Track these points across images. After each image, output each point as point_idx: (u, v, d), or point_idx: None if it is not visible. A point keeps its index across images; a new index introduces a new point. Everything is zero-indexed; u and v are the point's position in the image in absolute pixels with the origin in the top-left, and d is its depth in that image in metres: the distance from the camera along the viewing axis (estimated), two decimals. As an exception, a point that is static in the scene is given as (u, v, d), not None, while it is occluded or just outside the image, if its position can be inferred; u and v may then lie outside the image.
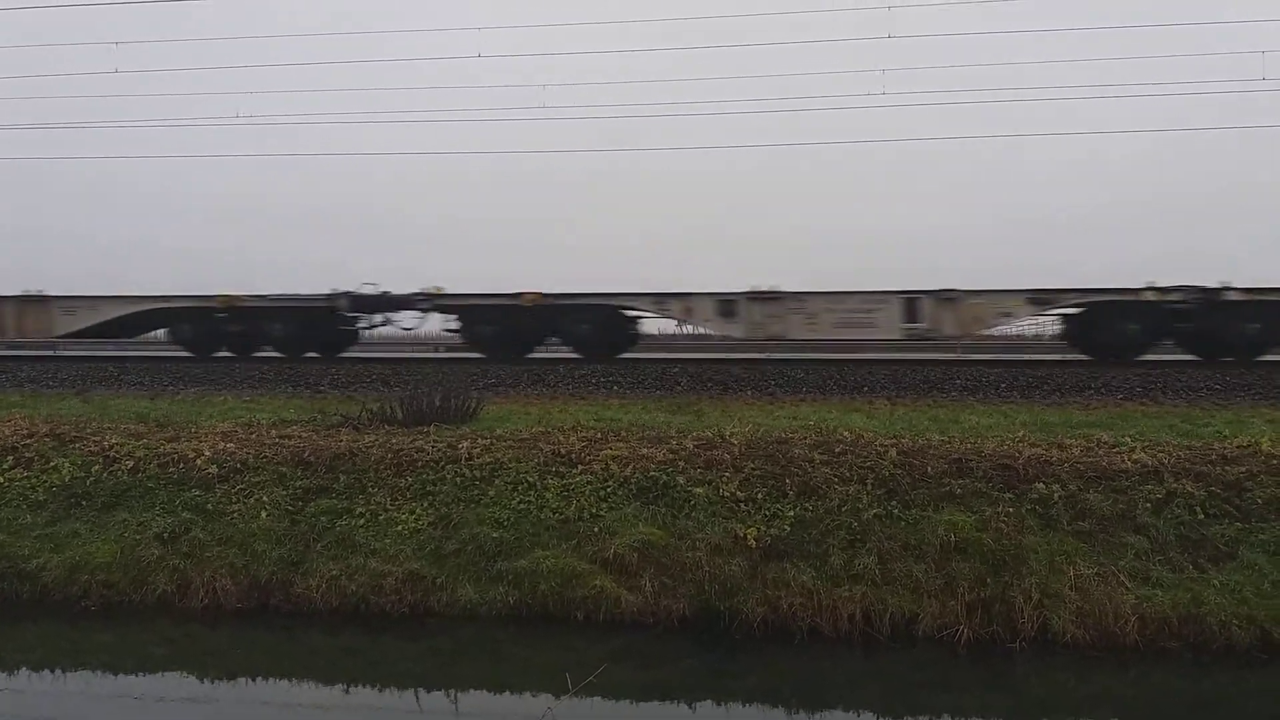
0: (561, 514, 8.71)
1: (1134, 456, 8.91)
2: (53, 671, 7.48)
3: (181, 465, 9.68)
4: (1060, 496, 8.32)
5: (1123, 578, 7.62)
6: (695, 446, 9.57)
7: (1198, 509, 8.16)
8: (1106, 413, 12.44)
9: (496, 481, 9.15)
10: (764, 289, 18.97)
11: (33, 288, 20.79)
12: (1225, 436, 9.91)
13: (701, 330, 21.40)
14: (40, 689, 7.19)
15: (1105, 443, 9.56)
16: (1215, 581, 7.57)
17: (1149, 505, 8.23)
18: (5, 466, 9.95)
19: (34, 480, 9.69)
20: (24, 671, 7.49)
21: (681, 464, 9.14)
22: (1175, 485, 8.37)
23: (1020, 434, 10.16)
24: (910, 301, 18.44)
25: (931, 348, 21.61)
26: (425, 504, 9.00)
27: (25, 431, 10.70)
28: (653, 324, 22.01)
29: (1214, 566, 7.73)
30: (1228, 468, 8.62)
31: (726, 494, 8.71)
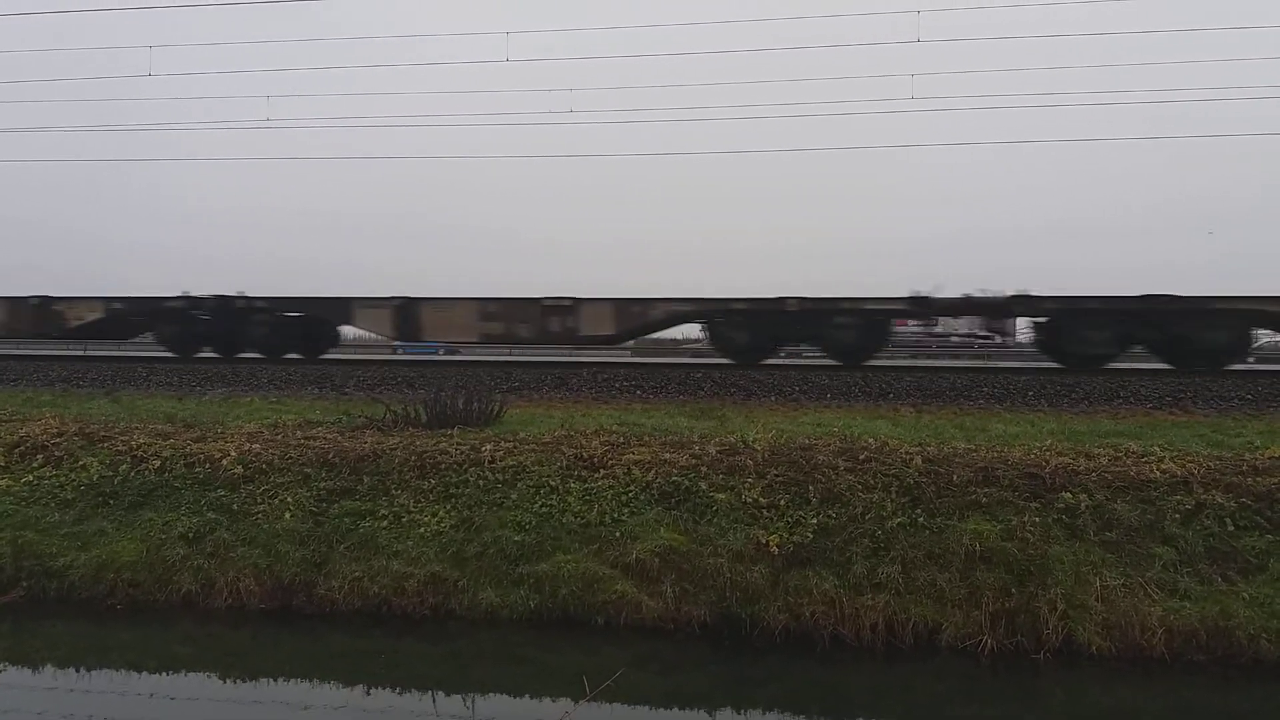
0: (583, 518, 8.70)
1: (1163, 466, 8.78)
2: (78, 670, 7.55)
3: (207, 465, 9.75)
4: (1087, 506, 8.22)
5: (1150, 589, 7.52)
6: (718, 452, 9.53)
7: (1227, 520, 8.03)
8: (1135, 422, 12.29)
9: (519, 485, 9.15)
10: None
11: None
12: (1257, 447, 9.76)
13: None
14: (66, 686, 7.25)
15: (1134, 452, 9.43)
16: (1244, 594, 7.45)
17: (1177, 516, 8.11)
18: (35, 465, 10.07)
19: (63, 479, 9.79)
20: (49, 669, 7.56)
21: (704, 469, 9.11)
22: (1205, 496, 8.25)
23: (1047, 442, 10.05)
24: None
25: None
26: (448, 506, 9.02)
27: (55, 430, 10.82)
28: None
29: (1243, 579, 7.62)
30: (1259, 479, 8.48)
31: (749, 500, 8.67)
